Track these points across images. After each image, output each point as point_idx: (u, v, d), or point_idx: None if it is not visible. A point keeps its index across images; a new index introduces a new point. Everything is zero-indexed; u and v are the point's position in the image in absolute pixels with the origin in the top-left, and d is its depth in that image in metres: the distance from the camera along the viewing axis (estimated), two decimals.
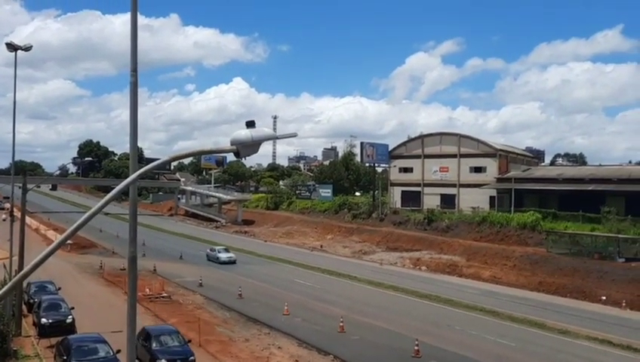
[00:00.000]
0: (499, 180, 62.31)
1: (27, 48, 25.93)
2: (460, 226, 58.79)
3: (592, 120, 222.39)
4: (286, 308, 30.83)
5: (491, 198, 62.12)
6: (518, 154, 73.82)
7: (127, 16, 9.29)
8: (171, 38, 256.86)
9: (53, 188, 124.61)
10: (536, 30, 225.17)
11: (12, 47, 25.33)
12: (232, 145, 5.01)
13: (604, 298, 36.77)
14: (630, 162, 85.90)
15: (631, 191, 52.13)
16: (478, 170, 64.75)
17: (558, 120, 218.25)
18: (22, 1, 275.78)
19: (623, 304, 35.04)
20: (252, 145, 5.04)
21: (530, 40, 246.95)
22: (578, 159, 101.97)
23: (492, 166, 63.83)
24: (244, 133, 5.01)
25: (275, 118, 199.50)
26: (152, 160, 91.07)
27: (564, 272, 42.70)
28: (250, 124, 5.09)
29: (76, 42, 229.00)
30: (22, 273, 4.90)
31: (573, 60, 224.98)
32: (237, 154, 5.07)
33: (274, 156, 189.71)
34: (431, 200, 67.26)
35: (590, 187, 53.44)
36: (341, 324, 27.45)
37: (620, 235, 45.18)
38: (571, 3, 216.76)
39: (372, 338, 26.60)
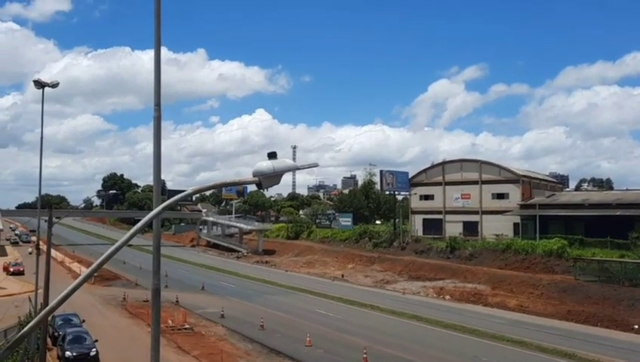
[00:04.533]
0: (522, 206, 61.47)
1: (54, 85, 26.61)
2: (484, 254, 57.87)
3: (619, 144, 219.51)
4: (308, 339, 30.48)
5: (515, 225, 61.21)
6: (541, 179, 72.90)
7: None
8: (197, 71, 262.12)
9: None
10: (562, 54, 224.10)
11: (39, 84, 26.02)
12: (254, 176, 5.03)
13: (636, 326, 35.72)
14: None
15: None
16: (500, 196, 64.01)
17: (584, 144, 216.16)
18: (55, 40, 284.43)
19: None
20: (274, 177, 5.05)
21: (555, 64, 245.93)
22: (604, 184, 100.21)
23: (515, 192, 63.07)
24: (265, 165, 5.02)
25: (294, 147, 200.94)
26: (175, 192, 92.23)
27: (593, 300, 41.61)
28: (272, 155, 5.11)
29: (105, 78, 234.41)
30: (48, 308, 4.92)
31: (599, 84, 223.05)
32: (259, 185, 5.08)
33: (294, 185, 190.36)
34: (453, 228, 66.51)
35: (617, 212, 52.39)
36: (364, 356, 26.97)
37: None
38: (598, 26, 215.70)
39: None
